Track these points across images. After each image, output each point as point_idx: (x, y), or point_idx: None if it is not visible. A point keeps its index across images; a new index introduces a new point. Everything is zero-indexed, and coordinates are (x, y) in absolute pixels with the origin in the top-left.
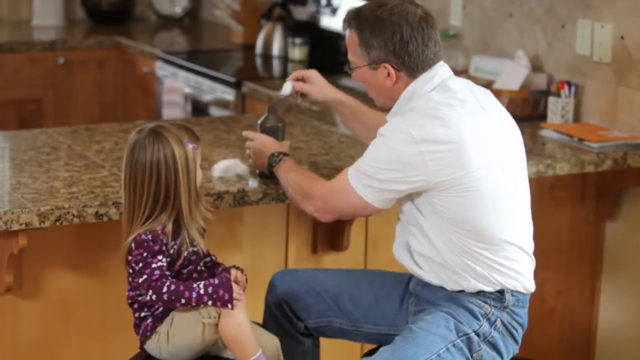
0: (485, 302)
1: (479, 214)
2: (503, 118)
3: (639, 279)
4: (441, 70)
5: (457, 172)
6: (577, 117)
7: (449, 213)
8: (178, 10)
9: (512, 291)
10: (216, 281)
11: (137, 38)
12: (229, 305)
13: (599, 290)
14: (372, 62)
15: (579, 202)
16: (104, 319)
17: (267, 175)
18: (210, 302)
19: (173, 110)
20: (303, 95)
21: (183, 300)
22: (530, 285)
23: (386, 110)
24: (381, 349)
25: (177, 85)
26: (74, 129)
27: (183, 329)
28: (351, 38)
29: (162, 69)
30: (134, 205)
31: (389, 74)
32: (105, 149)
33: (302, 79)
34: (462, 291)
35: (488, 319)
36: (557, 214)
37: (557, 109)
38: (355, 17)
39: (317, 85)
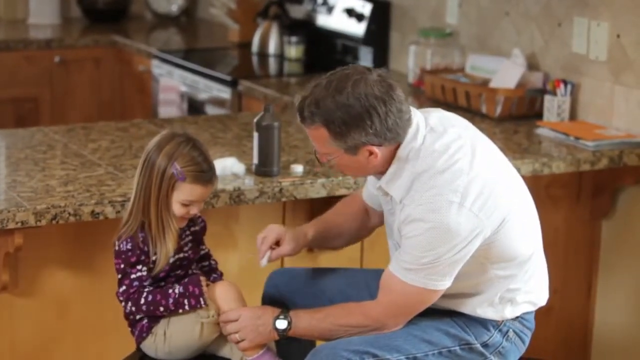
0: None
1: (511, 239)
2: (475, 129)
3: (635, 277)
4: (416, 117)
5: (500, 208)
6: (573, 116)
7: (491, 253)
8: (174, 8)
9: (525, 312)
10: (186, 279)
11: (133, 36)
12: (202, 300)
13: (595, 288)
14: (349, 148)
15: (575, 201)
16: (100, 318)
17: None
18: (186, 302)
19: (169, 108)
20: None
21: (162, 309)
22: (543, 300)
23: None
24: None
25: (173, 83)
26: (70, 127)
27: (181, 329)
28: (318, 133)
29: (158, 68)
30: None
31: (371, 153)
32: (101, 148)
33: (275, 244)
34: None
35: (500, 330)
36: (553, 213)
37: (553, 107)
38: (316, 112)
39: (291, 244)
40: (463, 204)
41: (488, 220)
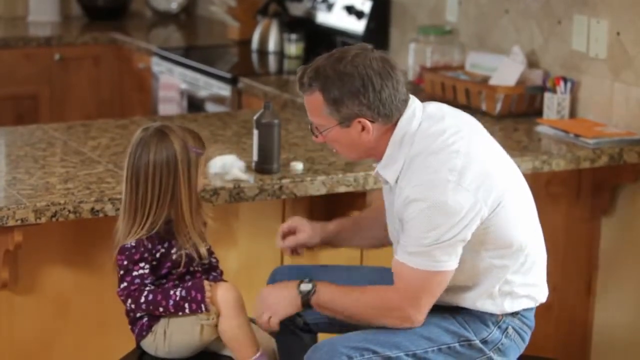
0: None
1: (506, 225)
2: (474, 120)
3: (635, 275)
4: (414, 103)
5: (496, 191)
6: (573, 113)
7: (486, 238)
8: (174, 6)
9: (524, 309)
10: (189, 283)
11: (132, 34)
12: (202, 306)
13: (594, 286)
14: (343, 120)
15: (574, 198)
16: (100, 315)
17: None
18: (186, 306)
19: (169, 106)
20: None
21: (161, 309)
22: (542, 296)
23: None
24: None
25: (173, 81)
26: (70, 125)
27: (181, 329)
28: (314, 99)
29: (157, 65)
30: (136, 205)
31: (363, 128)
32: (101, 145)
33: (290, 232)
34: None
35: (499, 327)
36: (552, 210)
37: (553, 105)
38: (315, 77)
39: (307, 230)
40: (460, 183)
41: (485, 201)
